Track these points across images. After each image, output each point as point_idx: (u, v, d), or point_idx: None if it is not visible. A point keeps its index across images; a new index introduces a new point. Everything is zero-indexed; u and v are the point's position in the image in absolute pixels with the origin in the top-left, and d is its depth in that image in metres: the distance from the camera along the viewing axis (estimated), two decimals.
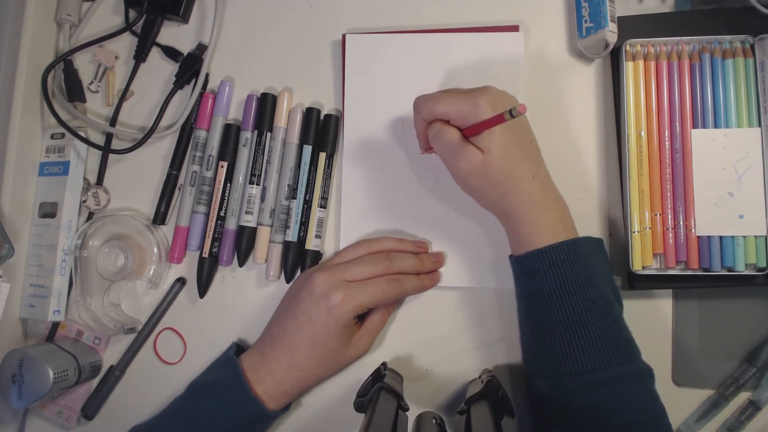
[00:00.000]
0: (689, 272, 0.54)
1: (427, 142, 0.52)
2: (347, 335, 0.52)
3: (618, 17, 0.55)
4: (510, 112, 0.43)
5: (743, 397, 0.54)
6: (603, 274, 0.49)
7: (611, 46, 0.55)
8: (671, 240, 0.54)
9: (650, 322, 0.55)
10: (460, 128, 0.49)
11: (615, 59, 0.57)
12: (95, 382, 0.61)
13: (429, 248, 0.58)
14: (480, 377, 0.53)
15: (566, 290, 0.47)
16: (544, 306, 0.48)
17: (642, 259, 0.54)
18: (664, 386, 0.48)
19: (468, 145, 0.48)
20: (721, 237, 0.53)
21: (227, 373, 0.53)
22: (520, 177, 0.48)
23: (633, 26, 0.56)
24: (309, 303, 0.51)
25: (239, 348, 0.57)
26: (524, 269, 0.49)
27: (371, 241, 0.57)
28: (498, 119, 0.45)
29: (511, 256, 0.52)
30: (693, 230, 0.53)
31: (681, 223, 0.54)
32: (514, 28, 0.58)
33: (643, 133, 0.55)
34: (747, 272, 0.53)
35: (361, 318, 0.54)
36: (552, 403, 0.47)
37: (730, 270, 0.53)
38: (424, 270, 0.56)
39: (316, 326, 0.51)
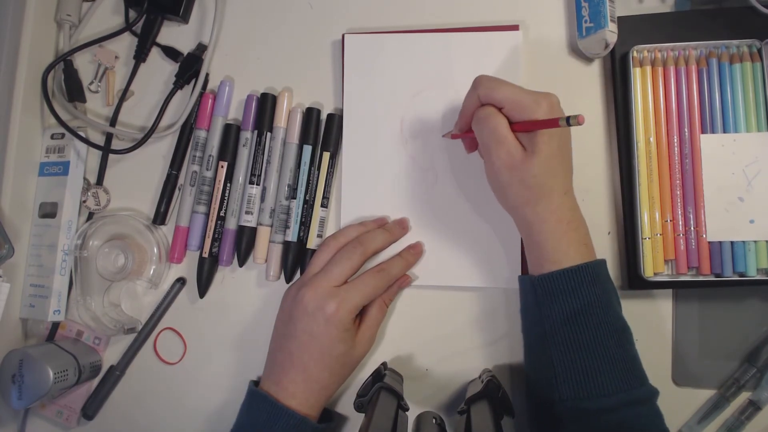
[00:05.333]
0: (701, 278, 0.53)
1: (468, 122, 0.51)
2: (350, 338, 0.52)
3: (618, 17, 0.55)
4: (567, 119, 0.43)
5: (743, 397, 0.54)
6: (615, 294, 0.49)
7: (611, 46, 0.55)
8: (682, 246, 0.53)
9: (650, 322, 0.55)
10: (509, 120, 0.48)
11: (615, 61, 0.56)
12: (95, 382, 0.61)
13: (409, 225, 0.58)
14: (480, 377, 0.53)
15: (589, 312, 0.46)
16: (566, 328, 0.47)
17: (653, 266, 0.53)
18: (664, 386, 0.48)
19: (514, 138, 0.48)
20: (732, 242, 0.53)
21: (262, 407, 0.51)
22: (554, 189, 0.48)
23: (633, 26, 0.56)
24: (306, 321, 0.51)
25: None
26: (547, 289, 0.48)
27: (335, 236, 0.56)
28: (552, 123, 0.45)
29: (525, 277, 0.51)
30: (704, 236, 0.53)
31: (692, 228, 0.53)
32: (514, 28, 0.58)
33: (652, 139, 0.54)
34: (759, 277, 0.52)
35: (360, 314, 0.54)
36: (571, 427, 0.46)
37: (741, 275, 0.53)
38: (395, 239, 0.57)
39: (320, 339, 0.50)
